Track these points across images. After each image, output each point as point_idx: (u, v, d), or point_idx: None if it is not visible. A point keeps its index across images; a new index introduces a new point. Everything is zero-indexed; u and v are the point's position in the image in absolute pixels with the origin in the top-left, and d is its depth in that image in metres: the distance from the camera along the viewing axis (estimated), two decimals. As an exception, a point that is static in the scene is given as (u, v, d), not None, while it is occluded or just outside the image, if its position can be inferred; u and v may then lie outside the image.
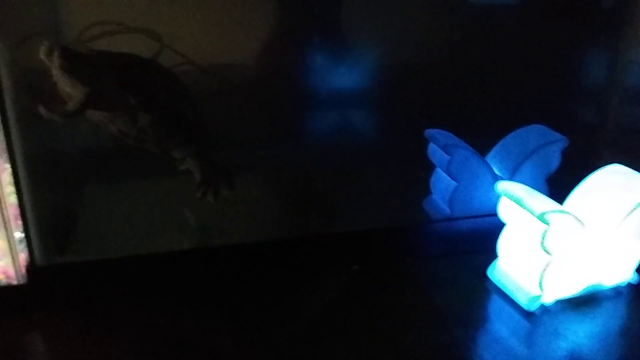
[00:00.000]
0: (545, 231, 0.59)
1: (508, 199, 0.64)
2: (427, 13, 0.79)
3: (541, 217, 0.59)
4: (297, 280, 0.69)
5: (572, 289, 0.64)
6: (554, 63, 0.84)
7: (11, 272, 0.63)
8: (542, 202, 0.61)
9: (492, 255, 0.69)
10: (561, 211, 0.60)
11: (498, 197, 0.67)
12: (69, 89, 0.62)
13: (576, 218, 0.60)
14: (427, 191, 0.81)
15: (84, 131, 0.71)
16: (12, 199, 0.63)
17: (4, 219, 0.62)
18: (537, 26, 0.82)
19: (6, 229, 0.62)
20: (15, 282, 0.63)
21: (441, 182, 0.79)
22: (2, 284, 0.63)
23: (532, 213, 0.60)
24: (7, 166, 0.62)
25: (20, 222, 0.63)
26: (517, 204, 0.63)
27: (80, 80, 0.61)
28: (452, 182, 0.76)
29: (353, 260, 0.72)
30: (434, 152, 0.78)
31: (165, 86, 0.68)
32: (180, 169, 0.72)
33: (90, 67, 0.62)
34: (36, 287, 0.64)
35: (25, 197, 0.63)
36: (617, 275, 0.66)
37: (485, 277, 0.69)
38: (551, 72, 0.84)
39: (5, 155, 0.61)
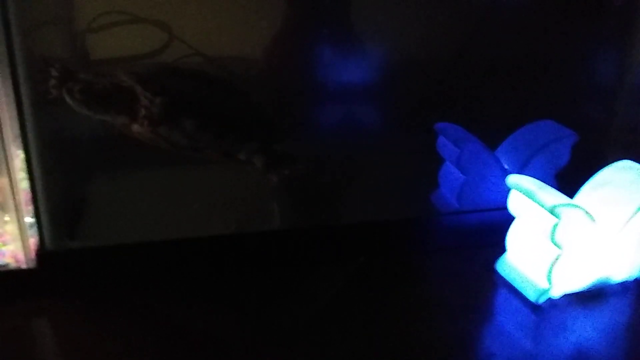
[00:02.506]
0: (556, 225, 0.59)
1: (519, 192, 0.64)
2: (437, 7, 0.79)
3: (552, 211, 0.59)
4: (303, 271, 0.69)
5: (580, 283, 0.64)
6: (565, 59, 0.84)
7: (21, 256, 0.64)
8: (553, 195, 0.61)
9: (500, 248, 0.69)
10: (572, 205, 0.60)
11: (508, 190, 0.67)
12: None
13: (587, 212, 0.60)
14: (435, 184, 0.81)
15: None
16: (23, 184, 0.63)
17: (15, 204, 0.62)
18: (549, 23, 0.82)
19: (17, 214, 0.62)
20: (24, 266, 0.64)
21: (450, 176, 0.79)
22: (11, 268, 0.64)
23: (543, 206, 0.60)
24: (20, 152, 0.62)
25: (30, 207, 0.64)
26: (528, 197, 0.63)
27: (103, 109, 0.63)
28: (461, 175, 0.76)
29: (360, 252, 0.72)
30: (444, 145, 0.78)
31: (197, 86, 0.68)
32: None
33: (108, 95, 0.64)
34: (45, 272, 0.64)
35: (37, 183, 0.63)
36: (625, 271, 0.66)
37: (493, 271, 0.69)
38: (562, 69, 0.84)
39: (17, 141, 0.62)
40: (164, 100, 0.64)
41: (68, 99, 0.63)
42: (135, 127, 0.65)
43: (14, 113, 0.61)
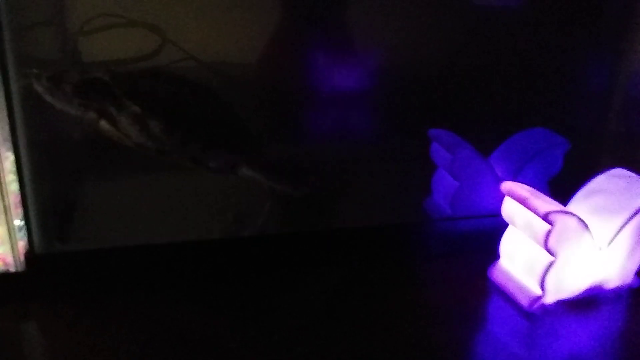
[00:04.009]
0: (549, 231, 0.59)
1: (512, 199, 0.64)
2: (431, 12, 0.79)
3: (546, 217, 0.59)
4: (296, 276, 0.69)
5: (573, 290, 0.64)
6: (558, 67, 0.84)
7: (9, 259, 0.63)
8: (546, 202, 0.61)
9: (492, 255, 0.69)
10: (566, 212, 0.60)
11: (501, 197, 0.67)
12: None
13: (580, 219, 0.60)
14: (428, 191, 0.81)
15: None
16: (13, 187, 0.62)
17: (4, 206, 0.61)
18: (543, 30, 0.82)
19: (6, 216, 0.62)
20: (13, 270, 0.63)
21: (443, 182, 0.79)
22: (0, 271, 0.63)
23: (536, 213, 0.60)
24: (10, 154, 0.62)
25: (20, 210, 0.63)
26: (522, 204, 0.63)
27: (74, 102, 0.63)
28: (454, 182, 0.76)
29: (353, 257, 0.71)
30: (437, 151, 0.78)
31: (171, 90, 0.67)
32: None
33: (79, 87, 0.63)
34: (34, 275, 0.63)
35: (27, 185, 0.63)
36: (618, 279, 0.66)
37: (485, 278, 0.69)
38: (555, 76, 0.84)
39: (7, 144, 0.61)
40: (135, 101, 0.63)
41: (36, 85, 0.62)
42: (103, 124, 0.64)
43: (4, 115, 0.60)
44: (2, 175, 0.60)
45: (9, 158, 0.62)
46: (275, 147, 0.78)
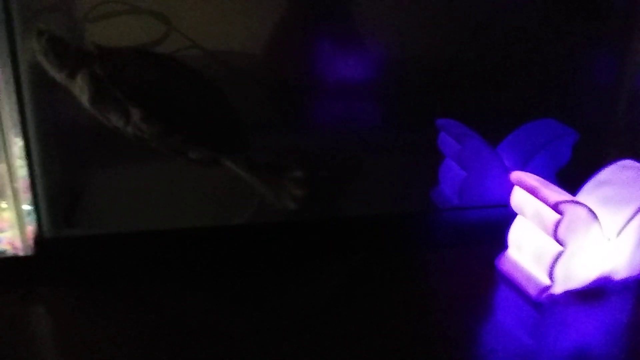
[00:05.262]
0: (559, 221, 0.59)
1: (522, 189, 0.64)
2: (439, 4, 0.79)
3: (555, 207, 0.59)
4: (303, 264, 0.69)
5: (582, 281, 0.64)
6: (567, 58, 0.84)
7: (18, 243, 0.63)
8: (556, 192, 0.61)
9: (500, 246, 0.69)
10: (576, 202, 0.60)
11: (508, 187, 0.66)
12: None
13: (590, 210, 0.60)
14: (436, 181, 0.81)
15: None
16: (22, 171, 0.62)
17: (13, 191, 0.61)
18: (552, 22, 0.82)
19: (15, 201, 0.62)
20: (21, 254, 0.63)
21: (450, 173, 0.79)
22: (8, 255, 0.63)
23: (546, 203, 0.60)
24: (19, 140, 0.62)
25: (28, 195, 0.63)
26: (531, 194, 0.62)
27: (63, 68, 0.61)
28: (462, 172, 0.76)
29: (360, 247, 0.71)
30: (445, 141, 0.78)
31: (160, 78, 0.65)
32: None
33: (71, 56, 0.62)
34: (43, 260, 0.63)
35: (36, 170, 0.63)
36: (626, 270, 0.66)
37: (493, 268, 0.69)
38: (564, 67, 0.84)
39: (17, 129, 0.61)
40: (119, 85, 0.62)
41: (35, 43, 0.62)
42: (84, 100, 0.63)
43: (14, 100, 0.60)
44: (11, 160, 0.61)
45: (18, 143, 0.62)
46: (282, 139, 0.78)
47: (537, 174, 0.66)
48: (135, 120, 0.63)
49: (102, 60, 0.62)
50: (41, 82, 0.63)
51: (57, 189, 0.67)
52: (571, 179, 0.72)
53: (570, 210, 0.59)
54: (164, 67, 0.66)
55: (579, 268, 0.63)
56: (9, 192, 0.62)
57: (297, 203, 0.69)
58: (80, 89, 0.62)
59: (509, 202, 0.67)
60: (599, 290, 0.66)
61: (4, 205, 0.63)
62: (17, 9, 0.59)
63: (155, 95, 0.64)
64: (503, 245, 0.69)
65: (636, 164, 0.67)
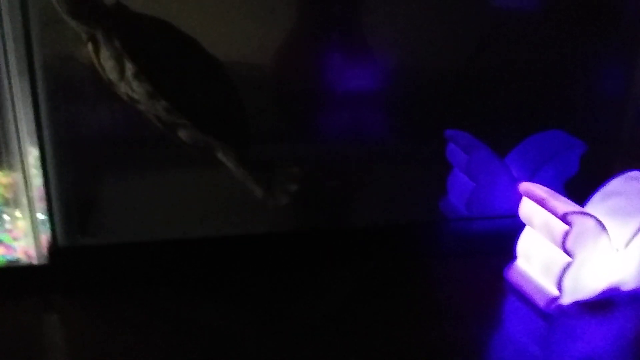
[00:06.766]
0: (567, 232, 0.60)
1: (530, 200, 0.65)
2: (448, 14, 0.80)
3: (564, 218, 0.59)
4: (314, 273, 0.69)
5: (590, 291, 0.65)
6: (575, 70, 0.84)
7: (32, 252, 0.64)
8: (565, 203, 0.61)
9: (508, 256, 0.70)
10: (584, 213, 0.60)
11: (517, 198, 0.67)
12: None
13: (598, 221, 0.61)
14: (444, 191, 0.81)
15: (112, 116, 0.71)
16: (36, 180, 0.63)
17: (28, 200, 0.62)
18: (560, 33, 0.82)
19: (30, 210, 0.63)
20: (35, 262, 0.64)
21: (458, 183, 0.79)
22: (22, 264, 0.64)
23: (554, 214, 0.61)
24: (34, 149, 0.63)
25: (43, 204, 0.64)
26: (540, 205, 0.63)
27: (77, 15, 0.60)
28: (470, 182, 0.76)
29: (370, 256, 0.72)
30: (453, 152, 0.78)
31: (162, 42, 0.64)
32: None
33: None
34: (57, 268, 0.64)
35: (51, 179, 0.63)
36: (634, 281, 0.66)
37: (501, 278, 0.69)
38: (572, 79, 0.84)
39: (32, 138, 0.62)
40: (121, 39, 0.61)
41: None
42: (84, 51, 0.62)
43: (30, 110, 0.61)
44: (26, 169, 0.61)
45: (33, 153, 0.63)
46: (292, 149, 0.78)
47: (545, 185, 0.67)
48: (128, 75, 0.62)
49: (116, 16, 0.62)
50: (57, 91, 0.64)
51: (72, 198, 0.67)
52: (579, 190, 0.72)
53: (578, 221, 0.60)
54: (170, 32, 0.65)
55: (588, 279, 0.63)
56: (24, 201, 0.62)
57: (290, 198, 0.69)
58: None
59: (517, 213, 0.68)
60: (608, 301, 0.66)
61: (18, 214, 0.63)
62: (35, 19, 0.60)
63: (153, 56, 0.64)
64: (512, 256, 0.69)
65: (644, 175, 0.67)
